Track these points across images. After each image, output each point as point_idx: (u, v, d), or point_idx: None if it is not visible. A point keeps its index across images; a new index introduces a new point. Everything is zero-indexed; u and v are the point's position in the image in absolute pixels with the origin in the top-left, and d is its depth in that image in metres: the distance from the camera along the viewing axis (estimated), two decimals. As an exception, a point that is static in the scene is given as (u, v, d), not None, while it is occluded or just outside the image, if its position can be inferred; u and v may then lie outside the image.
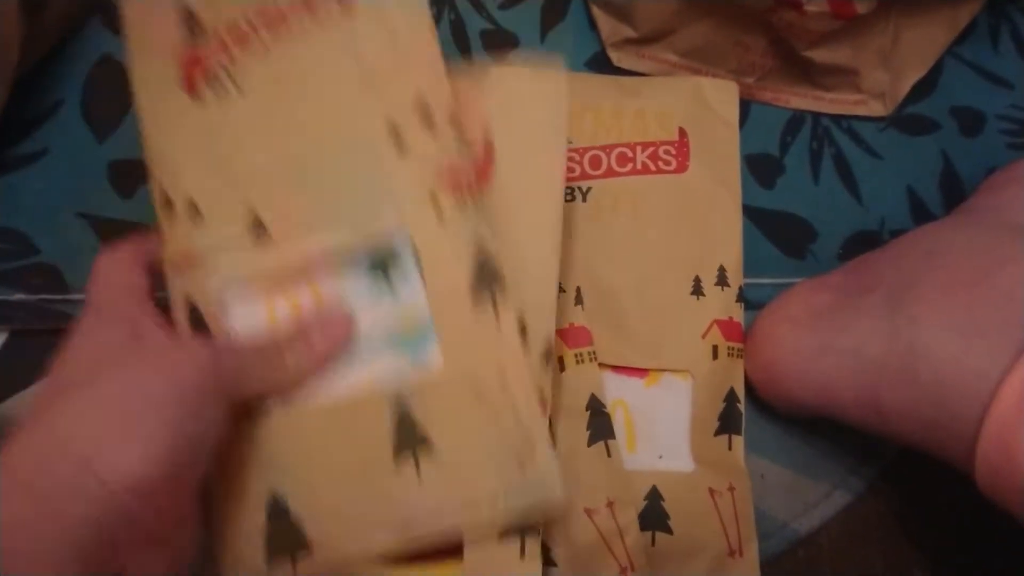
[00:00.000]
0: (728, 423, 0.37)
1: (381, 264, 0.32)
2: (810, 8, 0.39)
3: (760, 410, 0.39)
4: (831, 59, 0.42)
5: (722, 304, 0.38)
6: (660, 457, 0.37)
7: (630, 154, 0.40)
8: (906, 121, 0.46)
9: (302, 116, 0.33)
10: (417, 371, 0.31)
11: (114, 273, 0.31)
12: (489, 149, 0.33)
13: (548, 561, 0.34)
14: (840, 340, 0.34)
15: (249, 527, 0.30)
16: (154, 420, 0.26)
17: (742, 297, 0.39)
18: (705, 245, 0.39)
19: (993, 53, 0.48)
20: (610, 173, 0.40)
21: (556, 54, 0.45)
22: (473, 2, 0.47)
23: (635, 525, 0.34)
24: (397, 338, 0.32)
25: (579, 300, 0.37)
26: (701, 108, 0.42)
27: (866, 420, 0.34)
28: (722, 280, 0.39)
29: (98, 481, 0.24)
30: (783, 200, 0.44)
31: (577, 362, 0.36)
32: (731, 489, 0.36)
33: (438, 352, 0.31)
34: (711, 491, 0.36)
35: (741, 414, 0.37)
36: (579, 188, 0.40)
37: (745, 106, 0.45)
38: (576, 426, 0.36)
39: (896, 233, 0.41)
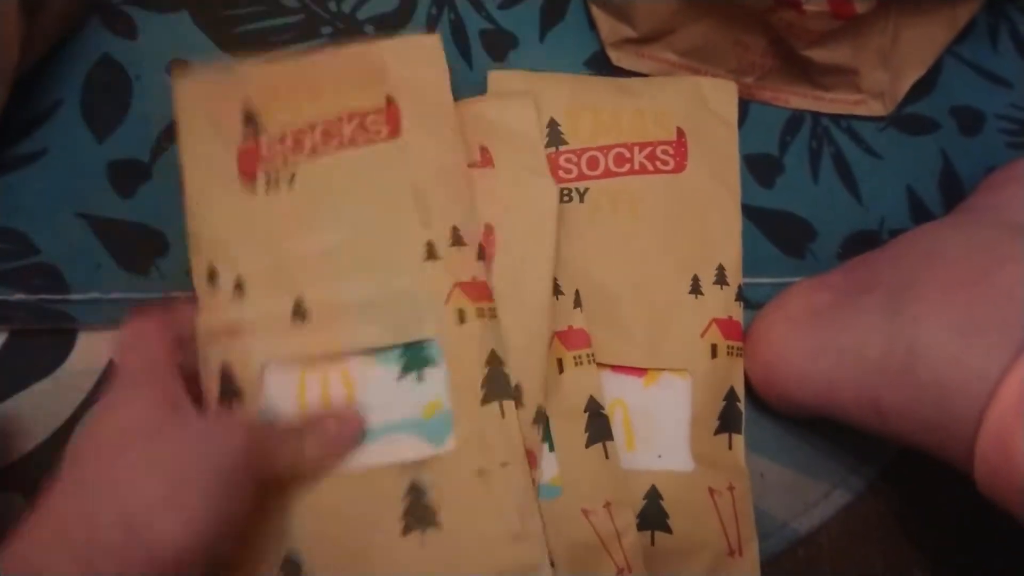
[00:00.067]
0: (728, 422, 0.37)
1: (415, 363, 0.34)
2: (809, 8, 0.39)
3: (760, 409, 0.39)
4: (830, 59, 0.42)
5: (721, 303, 0.38)
6: (659, 456, 0.36)
7: (627, 154, 0.40)
8: (905, 121, 0.46)
9: (348, 215, 0.36)
10: (433, 452, 0.33)
11: (144, 343, 0.31)
12: (490, 233, 0.37)
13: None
14: (839, 340, 0.34)
15: None
16: (199, 493, 0.27)
17: (741, 296, 0.39)
18: (704, 244, 0.39)
19: (992, 52, 0.48)
20: (608, 174, 0.40)
21: (556, 54, 0.45)
22: (473, 2, 0.47)
23: (633, 527, 0.34)
24: (418, 423, 0.34)
25: (578, 303, 0.37)
26: (700, 108, 0.42)
27: (866, 420, 0.34)
28: (721, 279, 0.39)
29: (145, 548, 0.25)
30: (782, 200, 0.44)
31: (576, 364, 0.36)
32: (731, 488, 0.36)
33: (453, 438, 0.33)
34: (711, 490, 0.36)
35: (741, 413, 0.37)
36: (576, 189, 0.40)
37: (744, 106, 0.45)
38: (574, 428, 0.35)
39: (895, 232, 0.41)
